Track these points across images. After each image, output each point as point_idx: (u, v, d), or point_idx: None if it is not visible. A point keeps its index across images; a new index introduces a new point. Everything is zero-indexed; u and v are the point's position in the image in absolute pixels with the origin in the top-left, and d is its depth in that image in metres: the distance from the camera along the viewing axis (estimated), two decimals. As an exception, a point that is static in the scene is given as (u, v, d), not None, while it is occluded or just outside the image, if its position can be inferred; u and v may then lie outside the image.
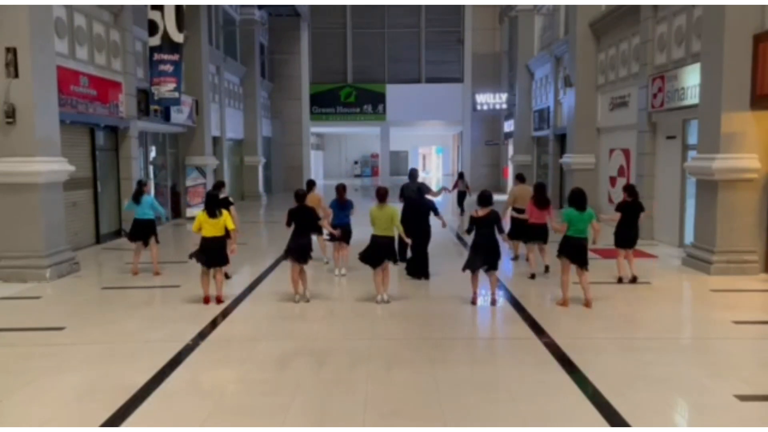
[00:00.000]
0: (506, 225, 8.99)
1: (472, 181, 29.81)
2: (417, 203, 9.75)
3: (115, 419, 4.72)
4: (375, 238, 8.17)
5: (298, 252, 8.12)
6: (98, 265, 11.29)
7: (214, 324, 7.25)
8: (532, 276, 9.58)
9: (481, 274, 8.18)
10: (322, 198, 10.38)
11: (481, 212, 7.97)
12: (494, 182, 29.39)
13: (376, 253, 8.10)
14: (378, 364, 5.96)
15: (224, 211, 8.10)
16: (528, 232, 9.86)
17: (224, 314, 7.67)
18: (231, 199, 9.96)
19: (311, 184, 10.94)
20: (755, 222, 9.70)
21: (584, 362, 5.82)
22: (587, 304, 7.86)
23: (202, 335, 6.79)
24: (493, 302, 8.09)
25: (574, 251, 7.80)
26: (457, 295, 8.49)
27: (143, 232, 9.97)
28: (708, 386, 5.36)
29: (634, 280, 9.25)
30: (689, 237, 11.34)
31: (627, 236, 9.26)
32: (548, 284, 9.31)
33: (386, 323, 7.45)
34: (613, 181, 15.60)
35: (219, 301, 8.12)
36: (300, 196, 8.41)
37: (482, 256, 7.99)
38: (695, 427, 4.69)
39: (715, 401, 5.04)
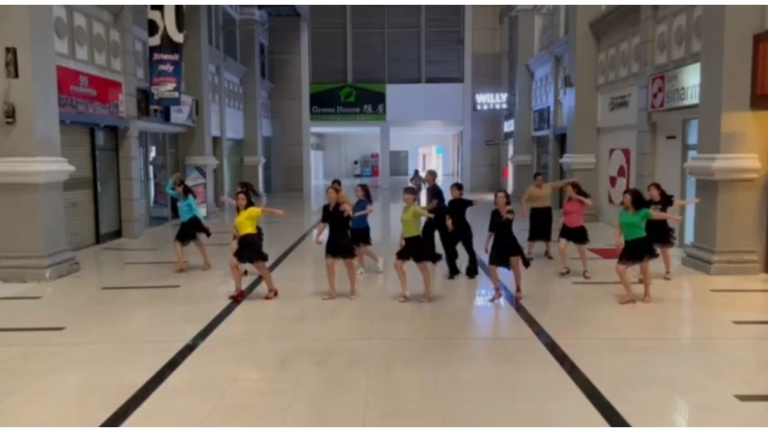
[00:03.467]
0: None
1: (473, 181, 30.00)
2: (458, 203, 9.65)
3: (115, 419, 4.71)
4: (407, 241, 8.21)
5: (335, 247, 8.23)
6: (98, 265, 11.29)
7: (214, 324, 7.25)
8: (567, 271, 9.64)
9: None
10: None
11: (512, 216, 8.02)
12: (494, 182, 29.39)
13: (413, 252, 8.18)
14: (378, 364, 5.96)
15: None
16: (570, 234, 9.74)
17: (224, 314, 7.67)
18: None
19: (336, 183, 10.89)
20: (755, 222, 9.69)
21: (584, 362, 5.82)
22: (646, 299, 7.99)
23: (202, 335, 6.79)
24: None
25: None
26: (457, 294, 8.50)
27: (192, 231, 10.13)
28: (708, 386, 5.36)
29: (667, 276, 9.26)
30: (689, 237, 11.34)
31: (659, 230, 9.17)
32: (549, 284, 9.31)
33: (386, 323, 7.44)
34: (613, 181, 15.59)
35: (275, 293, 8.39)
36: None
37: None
38: (695, 427, 4.69)
39: (715, 401, 5.04)
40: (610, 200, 15.51)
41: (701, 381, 5.48)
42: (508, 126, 27.67)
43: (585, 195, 9.80)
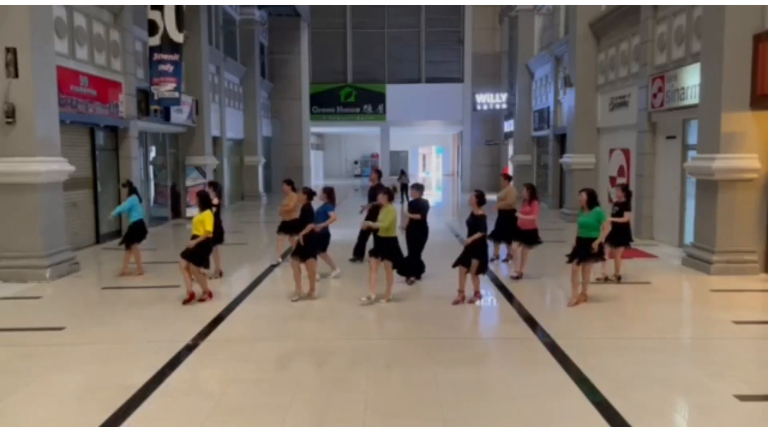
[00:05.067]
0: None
1: (472, 181, 30.01)
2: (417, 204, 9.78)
3: (115, 419, 4.72)
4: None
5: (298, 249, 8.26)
6: (98, 265, 11.29)
7: (214, 324, 7.25)
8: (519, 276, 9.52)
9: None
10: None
11: (482, 211, 8.01)
12: (494, 182, 29.36)
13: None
14: (378, 364, 5.97)
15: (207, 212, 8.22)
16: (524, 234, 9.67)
17: (224, 314, 7.67)
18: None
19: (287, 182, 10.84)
20: (755, 222, 9.69)
21: (584, 362, 5.82)
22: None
23: (202, 335, 6.79)
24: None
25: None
26: (455, 295, 8.48)
27: (143, 232, 9.99)
28: (708, 386, 5.36)
29: (619, 278, 9.26)
30: (689, 237, 11.34)
31: (628, 234, 9.28)
32: (548, 285, 9.31)
33: (386, 323, 7.45)
34: (613, 181, 15.59)
35: (210, 295, 8.29)
36: (310, 194, 8.56)
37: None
38: (695, 427, 4.69)
39: (715, 401, 5.04)
40: (610, 200, 15.48)
41: (701, 381, 5.48)
42: (508, 126, 27.67)
43: (535, 198, 9.58)
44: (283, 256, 10.82)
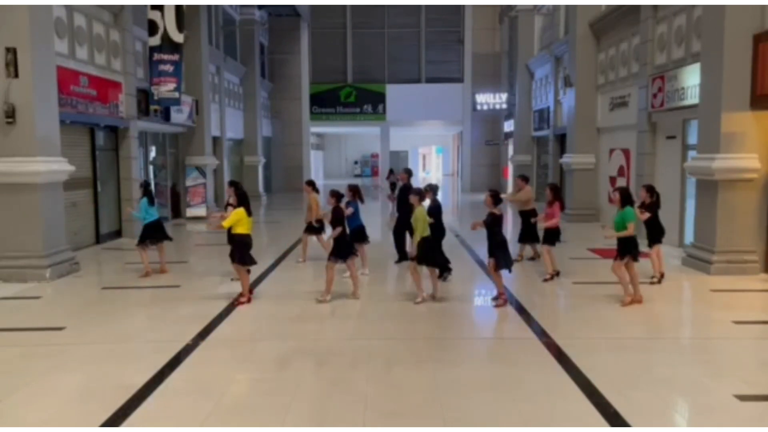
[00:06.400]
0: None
1: (472, 181, 30.05)
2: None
3: (115, 419, 4.72)
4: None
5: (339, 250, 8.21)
6: (98, 265, 11.29)
7: (214, 324, 7.25)
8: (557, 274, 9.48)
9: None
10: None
11: (498, 210, 7.91)
12: (494, 182, 29.38)
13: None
14: (378, 364, 5.96)
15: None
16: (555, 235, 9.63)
17: (224, 314, 7.67)
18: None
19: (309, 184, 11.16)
20: (755, 222, 9.69)
21: (584, 362, 5.82)
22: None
23: (202, 335, 6.79)
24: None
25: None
26: (456, 294, 8.50)
27: (161, 232, 9.96)
28: (708, 386, 5.36)
29: (661, 276, 9.16)
30: (689, 237, 11.34)
31: (659, 231, 9.20)
32: (549, 285, 9.30)
33: (386, 323, 7.44)
34: (613, 181, 15.59)
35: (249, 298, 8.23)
36: (338, 196, 8.45)
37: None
38: (695, 427, 4.69)
39: (715, 401, 5.04)
40: (610, 200, 15.47)
41: (701, 381, 5.48)
42: (508, 126, 27.67)
43: (559, 199, 9.61)
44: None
